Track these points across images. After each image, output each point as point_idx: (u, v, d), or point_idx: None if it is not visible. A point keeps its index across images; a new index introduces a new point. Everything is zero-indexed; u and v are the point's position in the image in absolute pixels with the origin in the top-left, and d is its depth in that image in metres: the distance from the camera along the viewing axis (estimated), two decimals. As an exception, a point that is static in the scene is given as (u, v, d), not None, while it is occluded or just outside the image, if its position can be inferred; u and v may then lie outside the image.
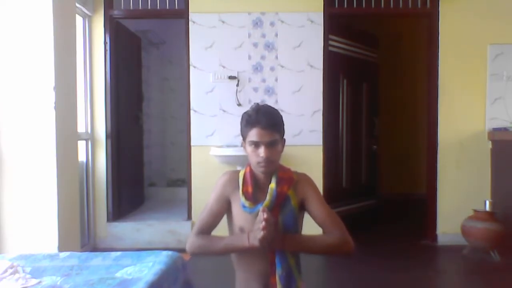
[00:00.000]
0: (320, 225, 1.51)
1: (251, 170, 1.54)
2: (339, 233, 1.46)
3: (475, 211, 3.35)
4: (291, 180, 1.52)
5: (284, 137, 1.55)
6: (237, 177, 1.55)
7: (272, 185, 1.49)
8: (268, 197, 1.47)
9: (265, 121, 1.46)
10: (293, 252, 1.50)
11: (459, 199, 3.65)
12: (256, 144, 1.47)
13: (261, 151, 1.46)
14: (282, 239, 1.43)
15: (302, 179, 1.55)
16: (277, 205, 1.48)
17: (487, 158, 3.65)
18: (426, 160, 3.91)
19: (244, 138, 1.52)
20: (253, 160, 1.50)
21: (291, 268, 1.48)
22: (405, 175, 5.85)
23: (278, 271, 1.46)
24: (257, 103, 1.56)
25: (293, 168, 1.60)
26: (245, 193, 1.50)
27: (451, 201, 3.69)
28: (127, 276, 1.50)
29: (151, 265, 1.58)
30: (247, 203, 1.48)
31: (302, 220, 1.57)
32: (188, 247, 1.51)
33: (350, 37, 4.03)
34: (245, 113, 1.52)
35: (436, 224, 3.73)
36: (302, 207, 1.54)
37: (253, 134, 1.46)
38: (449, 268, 3.35)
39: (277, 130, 1.48)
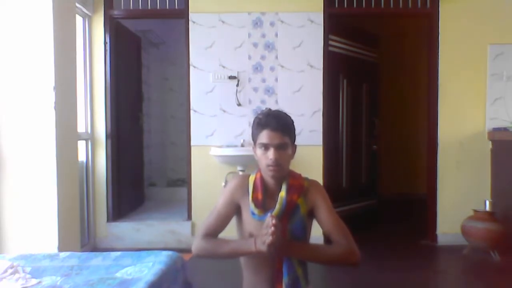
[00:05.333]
0: (327, 234, 1.49)
1: (261, 176, 1.53)
2: (346, 243, 1.44)
3: (475, 211, 3.35)
4: (301, 188, 1.51)
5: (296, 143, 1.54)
6: (247, 183, 1.54)
7: (282, 193, 1.48)
8: (277, 206, 1.46)
9: (275, 123, 1.45)
10: (301, 262, 1.49)
11: (459, 199, 3.66)
12: (265, 147, 1.46)
13: (270, 153, 1.44)
14: (289, 246, 1.42)
15: (312, 187, 1.54)
16: (286, 214, 1.47)
17: (487, 158, 3.65)
18: (426, 160, 3.91)
19: (254, 142, 1.51)
20: (262, 163, 1.48)
21: (298, 277, 1.47)
22: (405, 175, 5.85)
23: (285, 280, 1.45)
24: (269, 108, 1.55)
25: (296, 170, 1.58)
26: (254, 200, 1.49)
27: (451, 201, 3.69)
28: (127, 276, 1.50)
29: (151, 265, 1.58)
30: (256, 211, 1.48)
31: (311, 228, 1.56)
32: (194, 249, 1.50)
33: (350, 37, 4.03)
34: (256, 116, 1.52)
35: (436, 224, 3.72)
36: (311, 215, 1.53)
37: (263, 136, 1.46)
38: (449, 268, 3.35)
39: (287, 134, 1.47)
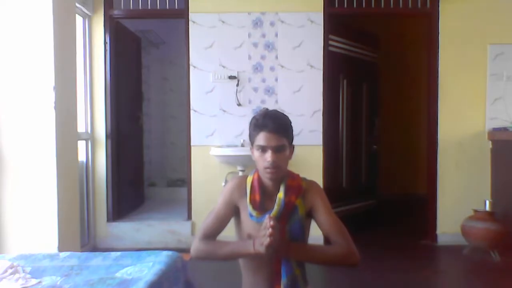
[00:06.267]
0: (326, 235, 1.49)
1: (259, 177, 1.52)
2: (345, 244, 1.43)
3: (475, 211, 3.35)
4: (299, 189, 1.50)
5: (293, 143, 1.53)
6: (245, 184, 1.53)
7: (280, 194, 1.47)
8: (276, 207, 1.45)
9: (272, 124, 1.43)
10: (299, 263, 1.49)
11: (459, 199, 3.66)
12: (263, 149, 1.44)
13: (268, 155, 1.43)
14: (287, 247, 1.41)
15: (310, 188, 1.53)
16: (285, 215, 1.46)
17: (487, 158, 3.65)
18: (426, 160, 3.91)
19: (252, 143, 1.50)
20: (260, 165, 1.47)
21: (296, 278, 1.47)
22: (405, 175, 5.85)
23: (283, 281, 1.45)
24: (266, 108, 1.53)
25: (296, 170, 1.58)
26: (252, 201, 1.48)
27: (451, 201, 3.69)
28: (127, 276, 1.50)
29: (151, 265, 1.58)
30: (254, 213, 1.47)
31: (309, 228, 1.56)
32: (192, 251, 1.50)
33: (350, 37, 4.03)
34: (253, 117, 1.50)
35: (436, 224, 3.73)
36: (309, 216, 1.52)
37: (260, 138, 1.44)
38: (449, 268, 3.35)
39: (284, 135, 1.46)
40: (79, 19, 3.48)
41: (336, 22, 3.81)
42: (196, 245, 1.49)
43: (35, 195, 2.45)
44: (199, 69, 3.66)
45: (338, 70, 3.93)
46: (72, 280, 1.47)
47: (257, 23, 3.64)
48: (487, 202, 3.31)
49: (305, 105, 3.64)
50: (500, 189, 3.54)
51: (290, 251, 1.42)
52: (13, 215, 2.46)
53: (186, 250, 2.01)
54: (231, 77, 3.64)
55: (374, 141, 4.39)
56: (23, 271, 1.57)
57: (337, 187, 3.95)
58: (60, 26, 2.52)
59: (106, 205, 3.73)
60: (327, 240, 1.49)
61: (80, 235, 3.00)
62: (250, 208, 1.48)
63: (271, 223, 1.34)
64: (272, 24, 3.64)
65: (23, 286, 1.43)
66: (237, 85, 3.64)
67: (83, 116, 3.60)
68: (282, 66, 3.65)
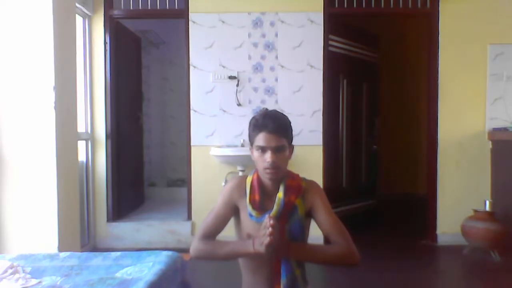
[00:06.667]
0: (326, 235, 1.49)
1: (258, 177, 1.52)
2: (345, 244, 1.43)
3: (475, 211, 3.35)
4: (299, 189, 1.49)
5: (293, 143, 1.52)
6: (245, 184, 1.53)
7: (280, 194, 1.47)
8: (275, 207, 1.46)
9: (272, 125, 1.43)
10: (299, 263, 1.49)
11: (459, 199, 3.66)
12: (262, 149, 1.44)
13: (268, 156, 1.43)
14: (287, 246, 1.41)
15: (310, 188, 1.53)
16: (284, 215, 1.46)
17: (487, 158, 3.65)
18: (426, 160, 3.91)
19: (251, 144, 1.50)
20: (260, 165, 1.47)
21: (296, 278, 1.47)
22: (405, 175, 5.85)
23: (283, 281, 1.45)
24: (266, 108, 1.53)
25: (296, 170, 1.58)
26: (252, 202, 1.48)
27: (451, 201, 3.69)
28: (127, 276, 1.50)
29: (151, 265, 1.58)
30: (254, 213, 1.47)
31: (309, 228, 1.56)
32: (192, 251, 1.50)
33: (350, 37, 4.03)
34: (253, 117, 1.50)
35: (436, 224, 3.73)
36: (309, 216, 1.52)
37: (260, 139, 1.44)
38: (449, 268, 3.34)
39: (284, 135, 1.46)
40: (79, 19, 3.48)
41: (336, 22, 3.81)
42: (195, 245, 1.49)
43: (35, 195, 2.45)
44: (199, 69, 3.66)
45: (338, 70, 3.93)
46: (72, 280, 1.47)
47: (257, 23, 3.64)
48: (487, 202, 3.31)
49: (305, 105, 3.64)
50: (500, 189, 3.54)
51: (290, 250, 1.42)
52: (13, 215, 2.46)
53: (186, 250, 2.01)
54: (231, 77, 3.64)
55: (374, 141, 4.38)
56: (23, 271, 1.57)
57: (337, 187, 3.95)
58: (60, 26, 2.52)
59: (106, 205, 3.73)
60: (327, 240, 1.49)
61: (80, 235, 3.00)
62: (249, 208, 1.48)
63: (271, 222, 1.34)
64: (272, 24, 3.64)
65: (23, 286, 1.43)
66: (237, 85, 3.64)
67: (83, 116, 3.60)
68: (282, 66, 3.65)
